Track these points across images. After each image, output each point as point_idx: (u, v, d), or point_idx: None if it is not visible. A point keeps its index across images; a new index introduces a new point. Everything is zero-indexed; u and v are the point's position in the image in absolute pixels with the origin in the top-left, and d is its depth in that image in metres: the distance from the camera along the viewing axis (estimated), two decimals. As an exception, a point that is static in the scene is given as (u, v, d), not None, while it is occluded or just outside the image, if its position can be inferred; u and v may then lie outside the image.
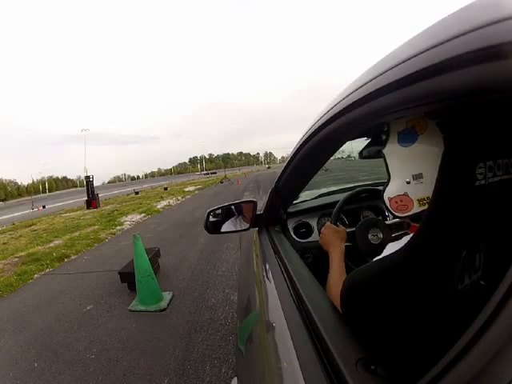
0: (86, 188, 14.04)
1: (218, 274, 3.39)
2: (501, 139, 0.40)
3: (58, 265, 4.53)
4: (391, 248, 0.55)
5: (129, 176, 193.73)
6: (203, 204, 9.98)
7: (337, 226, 1.04)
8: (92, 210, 11.99)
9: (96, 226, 7.39)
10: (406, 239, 0.52)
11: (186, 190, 18.97)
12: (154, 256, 3.54)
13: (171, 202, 12.11)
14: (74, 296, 3.21)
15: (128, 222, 7.79)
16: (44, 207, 20.01)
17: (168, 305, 2.75)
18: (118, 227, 7.17)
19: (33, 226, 9.21)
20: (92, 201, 13.21)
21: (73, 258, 4.89)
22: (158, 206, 10.61)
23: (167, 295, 2.90)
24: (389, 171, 0.54)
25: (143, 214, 8.93)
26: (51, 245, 5.83)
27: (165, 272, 3.65)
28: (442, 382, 0.28)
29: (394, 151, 0.53)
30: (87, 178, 14.52)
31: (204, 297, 2.84)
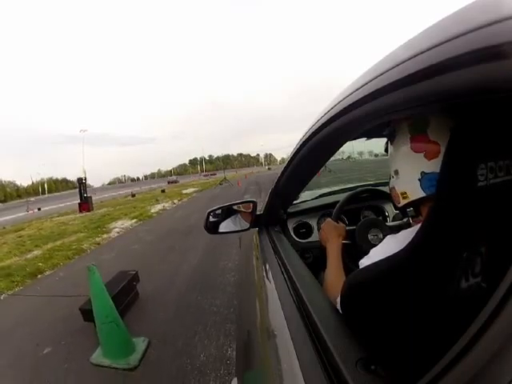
0: (78, 190, 13.17)
1: (211, 311, 2.61)
2: (502, 140, 0.40)
3: (29, 282, 4.07)
4: (388, 241, 0.56)
5: (129, 177, 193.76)
6: (200, 208, 9.34)
7: (337, 223, 1.04)
8: (84, 214, 11.53)
9: (81, 234, 6.98)
10: (403, 233, 0.53)
11: (184, 192, 18.64)
12: (130, 282, 2.85)
13: (166, 205, 11.70)
14: (34, 331, 2.62)
15: (116, 229, 7.33)
16: (39, 209, 19.76)
17: (140, 360, 2.01)
18: (105, 235, 6.69)
19: (21, 232, 8.87)
20: (84, 204, 12.59)
21: (47, 273, 4.41)
22: (152, 211, 10.23)
23: (141, 343, 2.18)
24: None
25: (134, 220, 8.49)
26: (29, 256, 5.44)
27: (143, 304, 2.90)
28: (442, 382, 0.28)
29: (389, 148, 0.59)
30: (79, 179, 13.60)
31: (190, 349, 2.07)
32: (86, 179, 13.79)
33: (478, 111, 0.37)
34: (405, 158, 0.51)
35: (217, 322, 2.38)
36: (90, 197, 13.30)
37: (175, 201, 13.26)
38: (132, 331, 2.26)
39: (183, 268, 3.85)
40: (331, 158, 0.87)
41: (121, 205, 13.75)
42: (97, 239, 6.30)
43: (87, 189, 13.69)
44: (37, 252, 5.66)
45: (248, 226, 1.24)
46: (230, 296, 2.81)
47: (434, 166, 0.46)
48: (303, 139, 0.72)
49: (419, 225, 0.50)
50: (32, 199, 47.19)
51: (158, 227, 7.26)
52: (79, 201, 12.95)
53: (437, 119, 0.46)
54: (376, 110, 0.41)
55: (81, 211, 12.44)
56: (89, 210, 12.37)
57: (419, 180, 0.48)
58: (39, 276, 4.30)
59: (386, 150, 0.61)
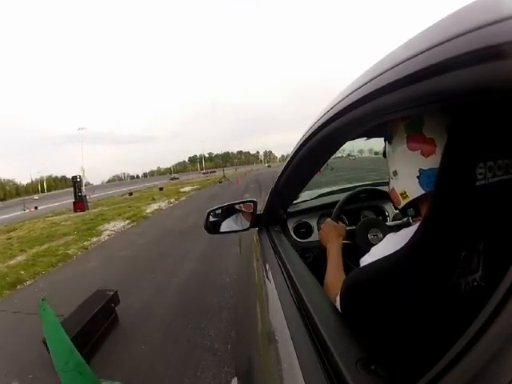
0: (73, 189, 12.73)
1: (203, 347, 2.07)
2: (501, 139, 0.40)
3: (6, 293, 3.75)
4: (388, 239, 0.56)
5: (128, 175, 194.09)
6: (198, 208, 9.05)
7: (337, 223, 1.04)
8: (78, 214, 11.26)
9: (71, 236, 6.68)
10: (404, 231, 0.54)
11: (182, 190, 18.44)
12: (108, 304, 2.40)
13: (162, 205, 11.38)
14: (5, 356, 2.30)
15: (108, 232, 6.99)
16: (36, 208, 19.71)
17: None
18: (94, 239, 6.35)
19: (12, 233, 8.66)
20: (78, 203, 12.25)
21: (27, 283, 4.10)
22: (147, 211, 9.98)
23: None
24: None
25: (128, 221, 8.17)
26: (12, 262, 5.18)
27: (122, 332, 2.41)
28: (442, 382, 0.28)
29: (387, 150, 0.59)
30: (74, 178, 13.05)
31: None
32: (81, 177, 13.36)
33: (475, 109, 0.37)
34: (402, 157, 0.52)
35: (210, 365, 1.88)
36: (85, 196, 13.01)
37: (172, 200, 13.08)
38: (105, 371, 1.88)
39: (174, 281, 3.39)
40: (332, 156, 0.87)
41: (117, 203, 13.54)
42: (85, 243, 6.00)
43: (86, 187, 13.23)
44: (21, 258, 5.42)
45: (248, 225, 1.24)
46: (227, 325, 2.33)
47: (431, 162, 0.46)
48: (303, 139, 0.71)
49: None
50: (36, 197, 46.96)
51: (152, 229, 6.97)
52: (74, 200, 12.59)
53: (432, 117, 0.47)
54: (376, 110, 0.41)
55: (75, 210, 12.15)
56: (83, 210, 12.08)
57: (418, 177, 0.48)
58: (18, 286, 4.02)
59: (384, 154, 0.61)
